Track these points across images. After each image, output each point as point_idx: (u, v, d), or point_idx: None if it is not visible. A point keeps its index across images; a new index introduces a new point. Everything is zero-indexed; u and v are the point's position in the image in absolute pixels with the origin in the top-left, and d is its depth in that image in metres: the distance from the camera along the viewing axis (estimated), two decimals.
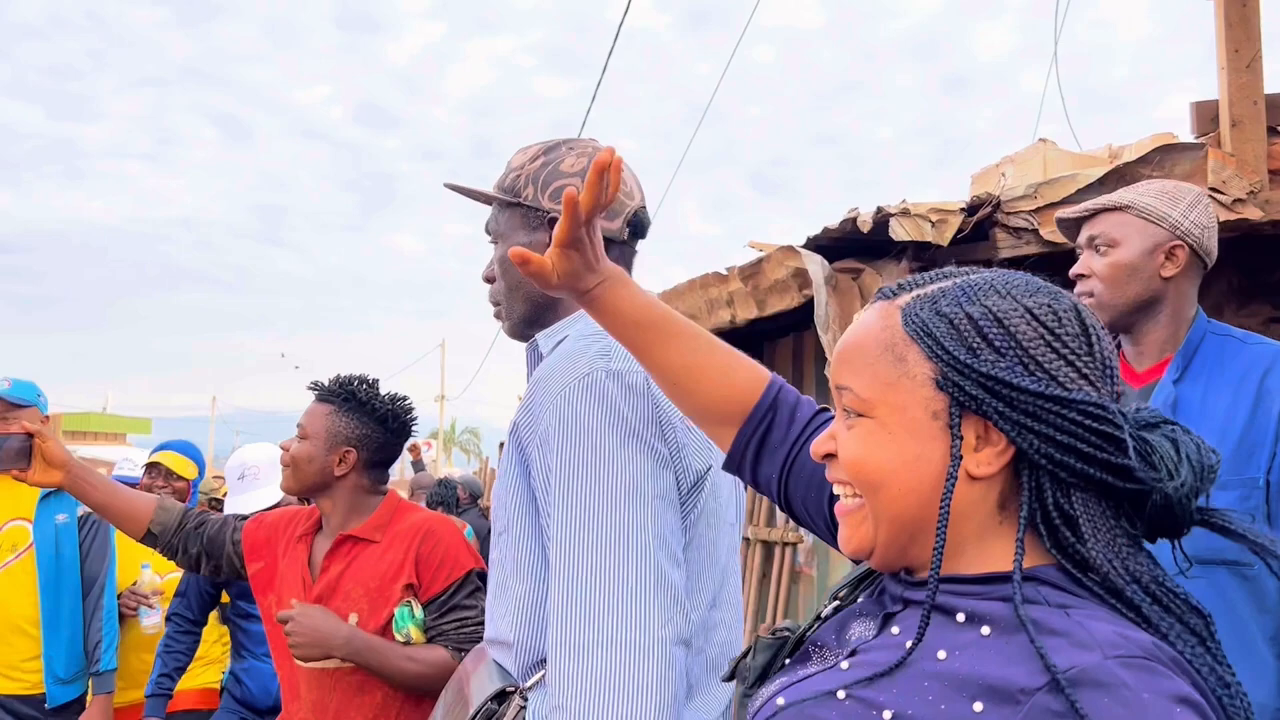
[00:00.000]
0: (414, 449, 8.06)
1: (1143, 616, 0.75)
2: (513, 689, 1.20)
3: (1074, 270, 1.77)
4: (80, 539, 2.96)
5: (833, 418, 0.99)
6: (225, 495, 3.79)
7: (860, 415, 0.83)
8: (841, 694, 0.78)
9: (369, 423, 2.06)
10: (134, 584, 3.27)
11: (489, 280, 1.41)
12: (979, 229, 3.05)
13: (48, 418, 2.95)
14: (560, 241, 1.04)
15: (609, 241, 1.31)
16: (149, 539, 2.13)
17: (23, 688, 2.83)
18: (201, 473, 3.61)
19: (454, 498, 6.80)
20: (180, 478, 3.48)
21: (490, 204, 1.39)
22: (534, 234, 1.33)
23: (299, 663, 1.97)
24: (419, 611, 1.97)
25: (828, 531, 1.03)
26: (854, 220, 3.11)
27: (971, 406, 0.78)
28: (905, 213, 2.99)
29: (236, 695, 3.03)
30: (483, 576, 2.02)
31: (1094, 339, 0.80)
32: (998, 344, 0.77)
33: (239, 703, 3.02)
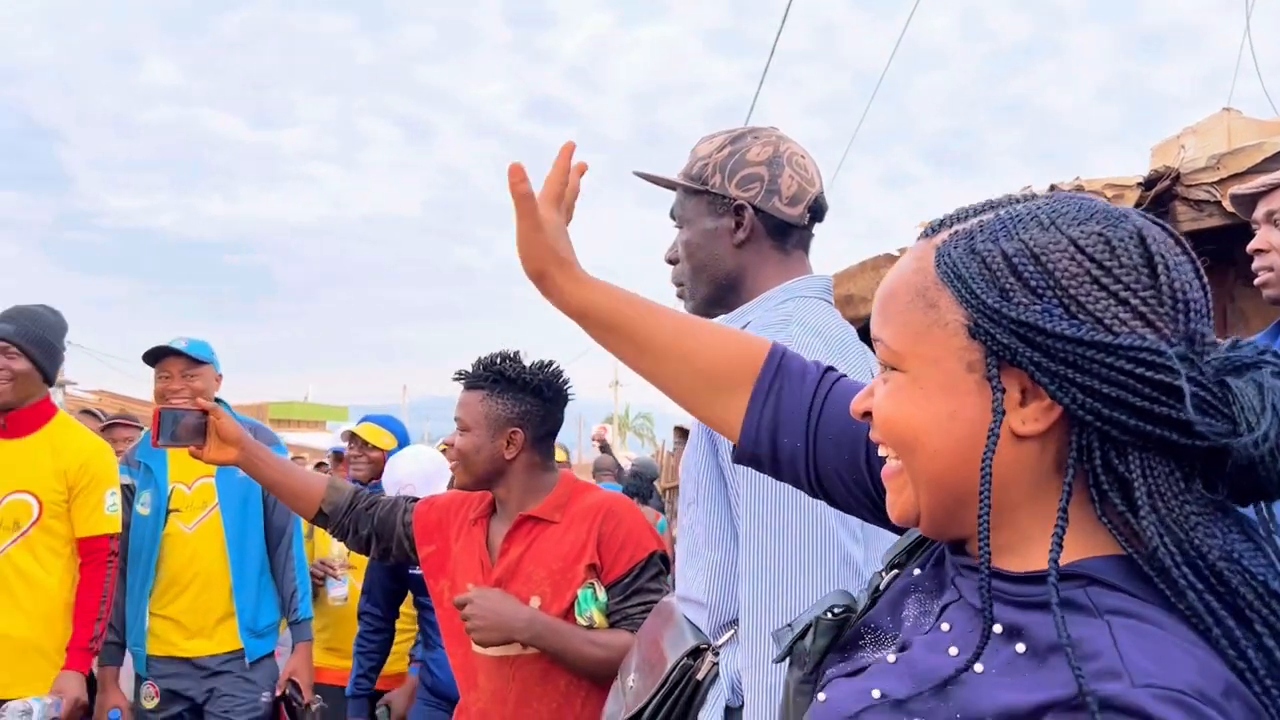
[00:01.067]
0: (599, 434, 8.30)
1: (1192, 609, 0.63)
2: (705, 646, 1.30)
3: (1251, 245, 1.69)
4: (264, 491, 2.92)
5: (843, 376, 0.98)
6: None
7: (893, 369, 0.74)
8: (876, 693, 0.72)
9: (525, 398, 1.97)
10: (324, 556, 3.38)
11: (672, 262, 1.50)
12: (1158, 203, 2.93)
13: (221, 376, 3.01)
14: (548, 197, 1.02)
15: (791, 227, 1.41)
16: (320, 519, 2.09)
17: (220, 646, 2.88)
18: (401, 444, 3.61)
19: (649, 489, 6.89)
20: (375, 448, 3.51)
21: (674, 189, 1.48)
22: (719, 219, 1.41)
23: (477, 649, 1.90)
24: (602, 594, 1.88)
25: (868, 505, 0.93)
26: None
27: (1006, 357, 0.67)
28: (1079, 189, 2.91)
29: (428, 684, 2.95)
30: (665, 559, 1.96)
31: (1160, 269, 0.66)
32: (1034, 284, 0.67)
33: (431, 692, 2.92)
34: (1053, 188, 2.97)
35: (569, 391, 2.05)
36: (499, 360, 2.00)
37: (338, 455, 4.24)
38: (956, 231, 0.73)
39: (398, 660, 3.24)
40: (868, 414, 0.79)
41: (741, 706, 1.22)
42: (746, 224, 1.40)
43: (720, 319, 1.43)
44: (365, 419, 3.69)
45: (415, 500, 2.16)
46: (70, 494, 2.71)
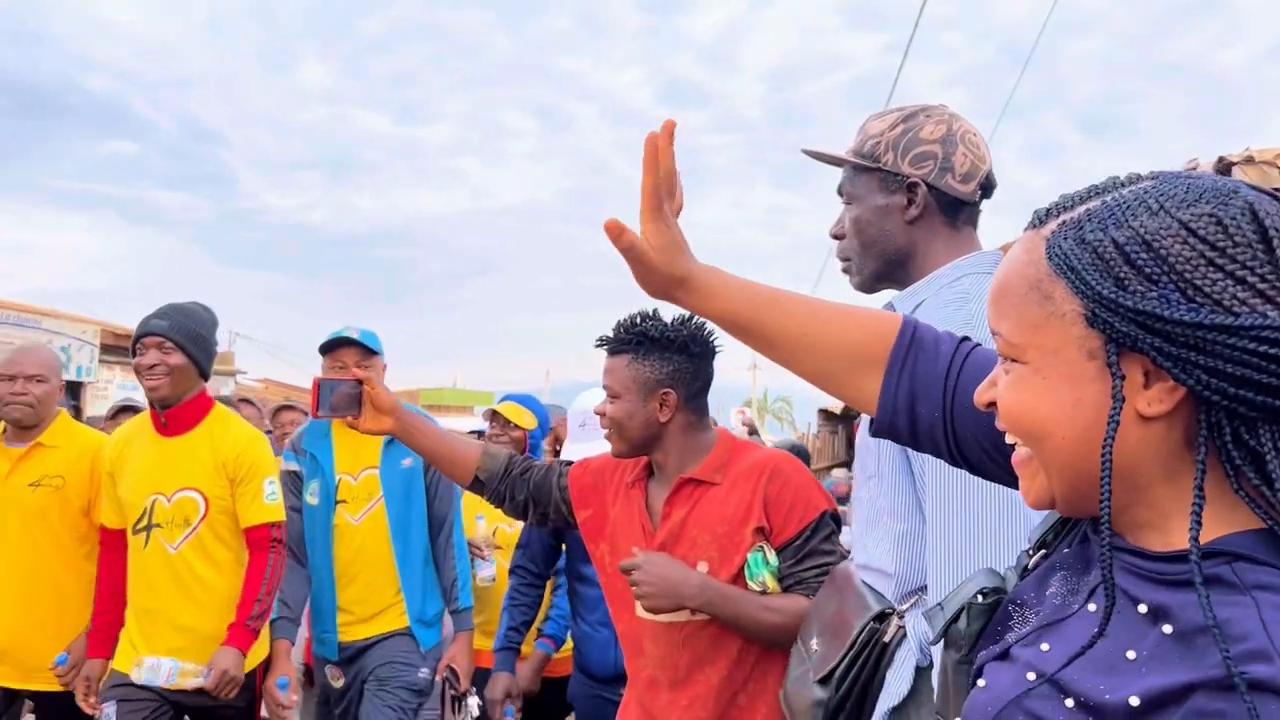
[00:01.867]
0: (748, 420, 8.29)
1: None
2: (890, 610, 1.34)
3: None
4: (426, 481, 2.96)
5: (978, 345, 1.00)
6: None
7: (1014, 361, 0.76)
8: (1032, 675, 0.74)
9: (673, 356, 1.89)
10: (470, 538, 3.30)
11: (837, 237, 1.55)
12: None
13: (385, 366, 3.02)
14: (649, 208, 1.01)
15: (962, 203, 1.45)
16: (476, 486, 2.06)
17: (389, 626, 2.90)
18: (542, 424, 3.63)
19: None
20: (517, 427, 3.52)
21: (841, 166, 1.52)
22: (891, 196, 1.45)
23: (646, 615, 1.84)
24: (773, 557, 1.80)
25: (1009, 471, 0.92)
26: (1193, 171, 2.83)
27: (1126, 344, 0.68)
28: (1249, 160, 2.68)
29: (578, 662, 2.85)
30: (836, 518, 1.89)
31: (1276, 243, 0.66)
32: (1148, 272, 0.67)
33: (581, 669, 2.83)
34: (1220, 159, 2.75)
35: (716, 344, 1.95)
36: (640, 320, 1.91)
37: (479, 436, 4.35)
38: (1064, 222, 0.73)
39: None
40: (992, 404, 0.80)
41: (930, 667, 1.27)
42: (919, 201, 1.43)
43: (893, 298, 1.47)
44: (505, 398, 3.72)
45: (569, 464, 2.12)
46: (231, 486, 2.74)
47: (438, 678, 2.92)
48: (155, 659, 2.62)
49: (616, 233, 1.02)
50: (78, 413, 12.10)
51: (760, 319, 1.04)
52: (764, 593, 1.78)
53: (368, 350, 2.88)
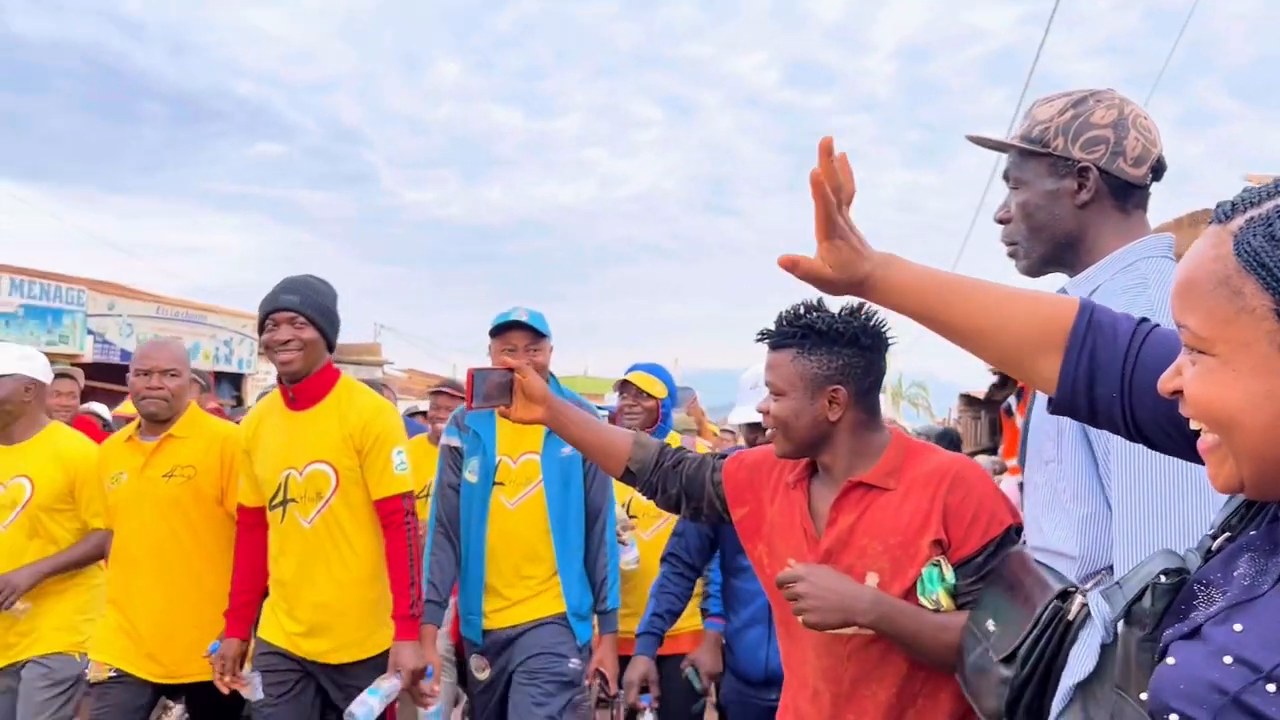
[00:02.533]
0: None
1: None
2: (1073, 589, 1.35)
3: None
4: (584, 471, 2.87)
5: (1156, 325, 1.04)
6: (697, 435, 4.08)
7: (1201, 353, 0.78)
8: (1229, 659, 0.74)
9: (842, 350, 1.74)
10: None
11: (1002, 222, 1.57)
12: None
13: (552, 349, 2.92)
14: (822, 232, 1.10)
15: (1133, 187, 1.46)
16: (628, 477, 1.99)
17: (542, 611, 2.82)
18: (672, 393, 3.56)
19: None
20: (649, 396, 3.46)
21: (1006, 152, 1.55)
22: (1060, 181, 1.47)
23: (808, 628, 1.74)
24: (950, 574, 1.66)
25: (1189, 447, 0.94)
26: None
27: None
28: None
29: (729, 663, 2.74)
30: (1019, 532, 1.70)
31: None
32: None
33: (732, 671, 2.71)
34: None
35: (889, 336, 1.79)
36: (805, 312, 1.77)
37: (610, 418, 4.39)
38: (1253, 218, 0.74)
39: (689, 616, 3.07)
40: (1176, 392, 0.82)
41: (1114, 644, 1.27)
42: (1091, 185, 1.45)
43: (1066, 283, 1.49)
44: (634, 368, 3.60)
45: (723, 457, 2.00)
46: (360, 458, 2.70)
47: (587, 682, 2.83)
48: (369, 699, 2.55)
49: (791, 265, 1.12)
50: (239, 403, 12.90)
51: (939, 309, 1.11)
52: (937, 610, 1.65)
53: (536, 333, 2.81)
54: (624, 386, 3.50)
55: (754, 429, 3.12)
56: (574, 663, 2.81)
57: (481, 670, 2.86)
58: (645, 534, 3.34)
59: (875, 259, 1.13)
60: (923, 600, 1.66)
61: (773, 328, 1.82)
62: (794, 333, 1.77)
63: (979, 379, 13.14)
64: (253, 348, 15.58)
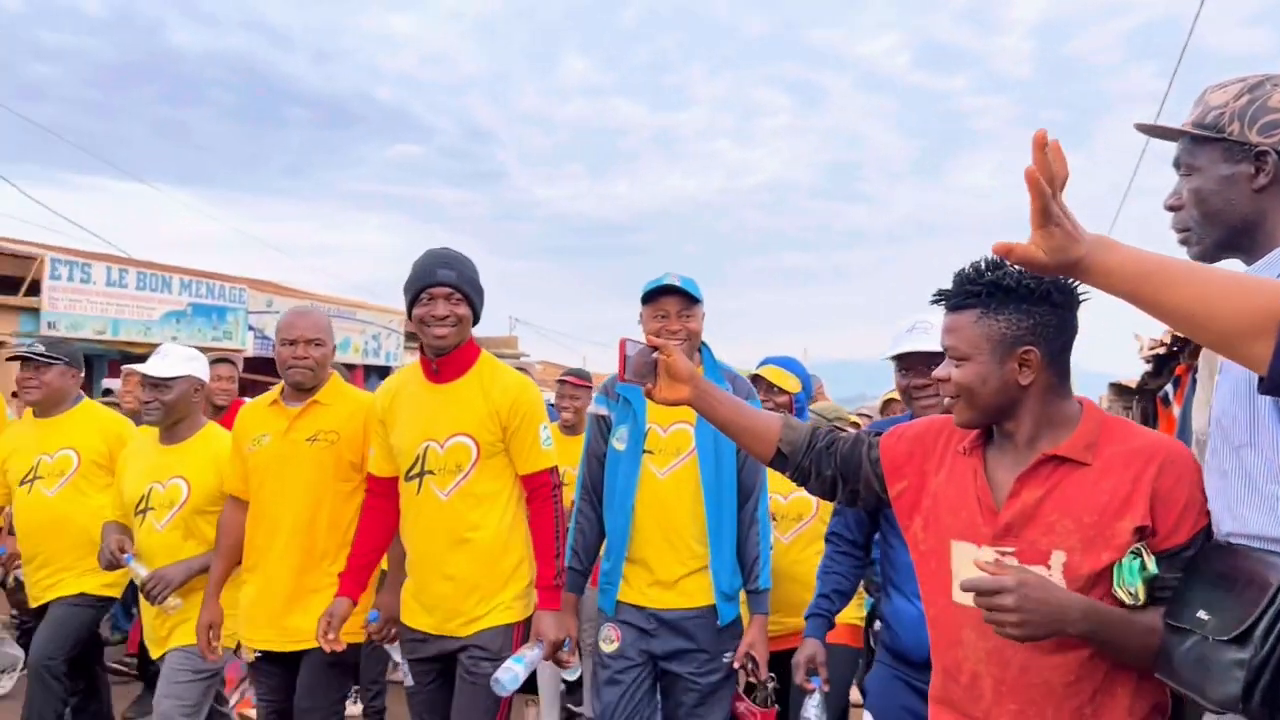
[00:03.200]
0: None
1: None
2: None
3: None
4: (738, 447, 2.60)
5: None
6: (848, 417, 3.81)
7: None
8: None
9: (1032, 308, 1.59)
10: None
11: (1173, 209, 1.58)
12: None
13: (704, 315, 2.85)
14: (1037, 221, 1.16)
15: None
16: (779, 460, 1.88)
17: (690, 601, 2.72)
18: (806, 387, 3.46)
19: None
20: (782, 391, 3.36)
21: (1176, 139, 1.55)
22: (1236, 166, 1.47)
23: (1007, 634, 1.51)
24: (1152, 564, 1.51)
25: None
26: None
27: None
28: None
29: (887, 642, 2.48)
30: None
31: None
32: None
33: (890, 652, 2.46)
34: None
35: (1080, 292, 1.63)
36: (989, 269, 1.62)
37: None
38: None
39: (853, 607, 2.92)
40: None
41: None
42: (1269, 170, 1.44)
43: (1251, 269, 1.48)
44: (765, 361, 3.49)
45: (878, 434, 1.88)
46: (505, 434, 2.69)
47: (735, 664, 2.73)
48: (517, 663, 2.57)
49: (1006, 252, 1.20)
50: None
51: (1151, 294, 1.18)
52: (1134, 605, 1.52)
53: (689, 298, 2.74)
54: (756, 381, 3.33)
55: (889, 405, 2.99)
56: (727, 656, 2.75)
57: (611, 642, 2.77)
58: (785, 537, 3.22)
59: (1089, 241, 1.20)
60: (1118, 591, 1.53)
61: (950, 287, 1.67)
62: (978, 291, 1.62)
63: (1130, 367, 12.47)
64: (399, 341, 16.28)
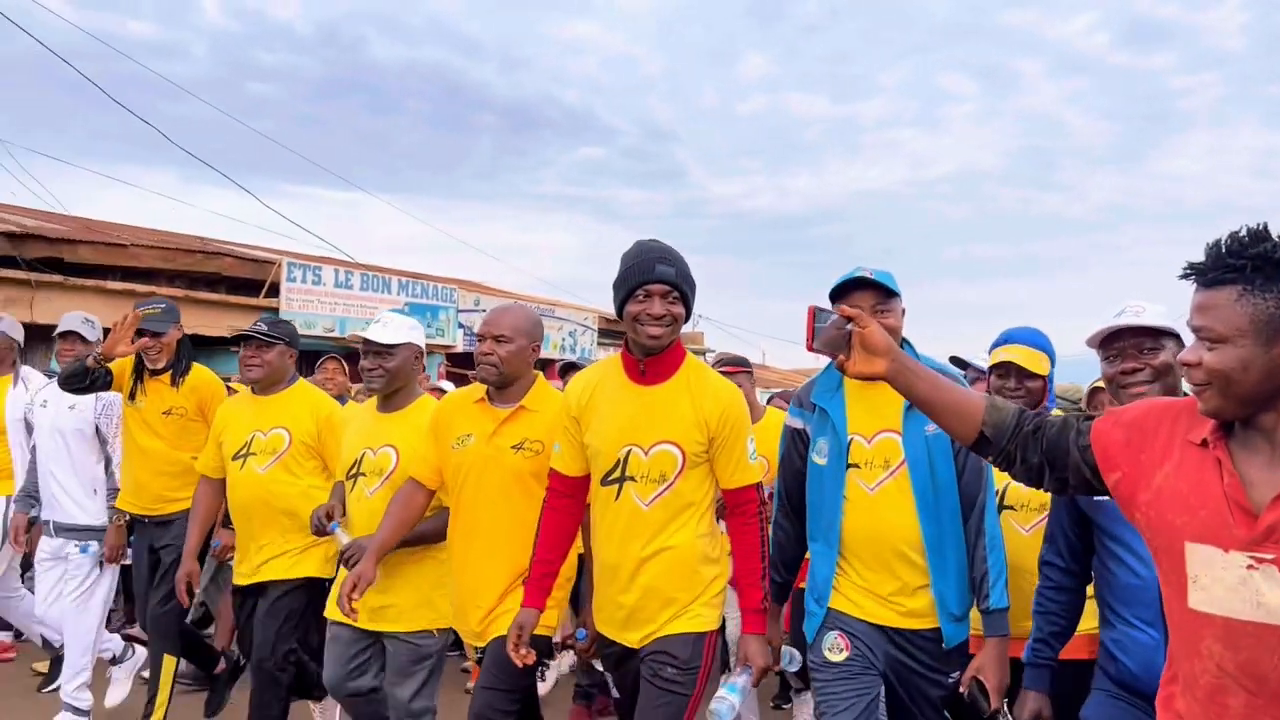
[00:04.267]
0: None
1: None
2: None
3: None
4: (953, 450, 2.47)
5: None
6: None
7: None
8: None
9: None
10: None
11: None
12: None
13: (904, 311, 2.59)
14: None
15: None
16: (981, 443, 1.73)
17: (912, 623, 2.47)
18: (1053, 366, 2.92)
19: None
20: (1035, 375, 2.81)
21: None
22: None
23: (1204, 609, 1.44)
24: None
25: None
26: None
27: None
28: None
29: (1110, 672, 2.19)
30: None
31: None
32: None
33: (1115, 682, 2.17)
34: None
35: None
36: (1253, 241, 1.43)
37: None
38: None
39: (1088, 616, 2.48)
40: None
41: None
42: None
43: None
44: (1007, 339, 2.93)
45: (1090, 418, 1.70)
46: (711, 445, 2.52)
47: (962, 689, 2.45)
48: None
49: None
50: None
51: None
52: None
53: (886, 291, 2.48)
54: (999, 368, 2.86)
55: (1094, 395, 2.72)
56: (954, 676, 2.48)
57: (840, 651, 2.50)
58: (1025, 529, 2.86)
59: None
60: None
61: (1204, 260, 1.48)
62: (1241, 265, 1.43)
63: None
64: (594, 338, 16.87)
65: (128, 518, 4.08)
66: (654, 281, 2.48)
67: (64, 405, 4.16)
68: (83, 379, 3.80)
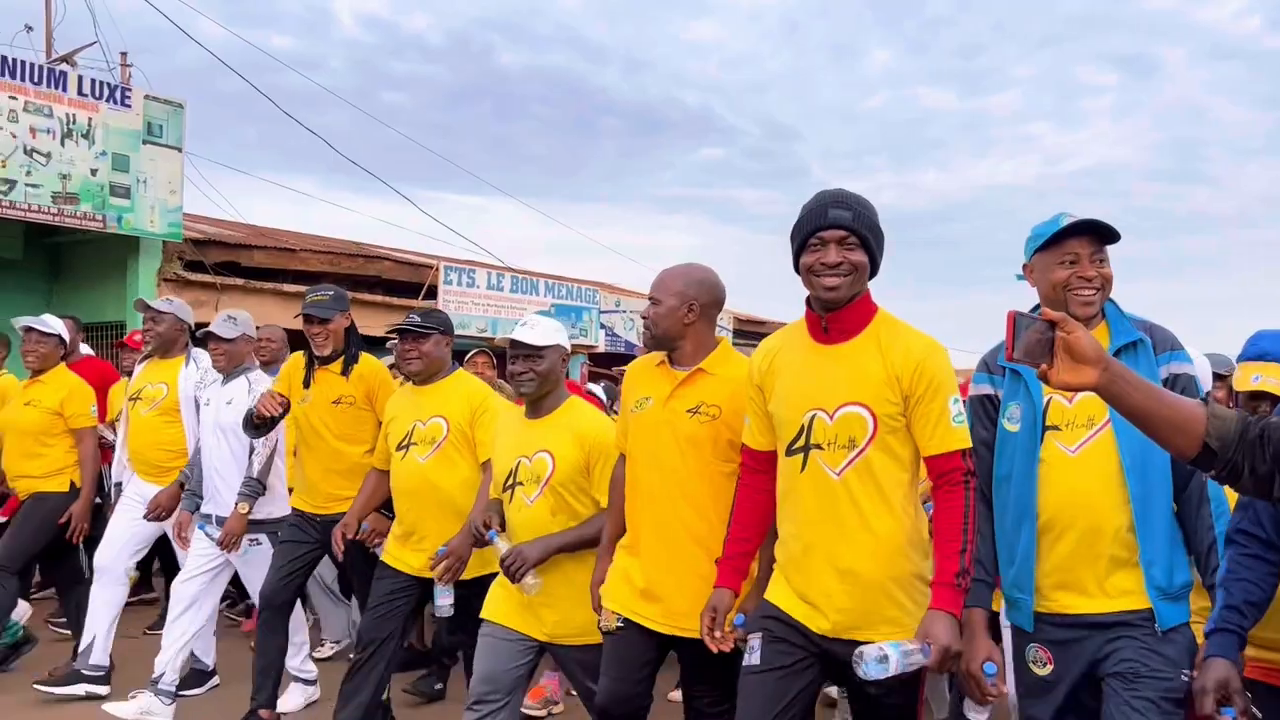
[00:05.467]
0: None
1: None
2: None
3: None
4: None
5: None
6: None
7: None
8: None
9: None
10: None
11: None
12: None
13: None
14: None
15: None
16: (1204, 457, 1.60)
17: (1115, 604, 2.18)
18: None
19: None
20: None
21: None
22: None
23: None
24: None
25: None
26: None
27: None
28: None
29: None
30: None
31: None
32: None
33: None
34: None
35: None
36: None
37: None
38: None
39: None
40: None
41: None
42: None
43: None
44: (1257, 351, 2.64)
45: None
46: (906, 404, 2.26)
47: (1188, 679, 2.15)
48: (880, 648, 2.13)
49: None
50: None
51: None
52: None
53: (1104, 236, 2.26)
54: (1256, 398, 2.57)
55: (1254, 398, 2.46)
56: (1186, 675, 2.13)
57: (1042, 665, 2.27)
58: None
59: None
60: None
61: None
62: None
63: None
64: (730, 340, 16.85)
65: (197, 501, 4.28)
66: (827, 227, 2.26)
67: (223, 401, 4.26)
68: (263, 428, 3.93)
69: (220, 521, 4.18)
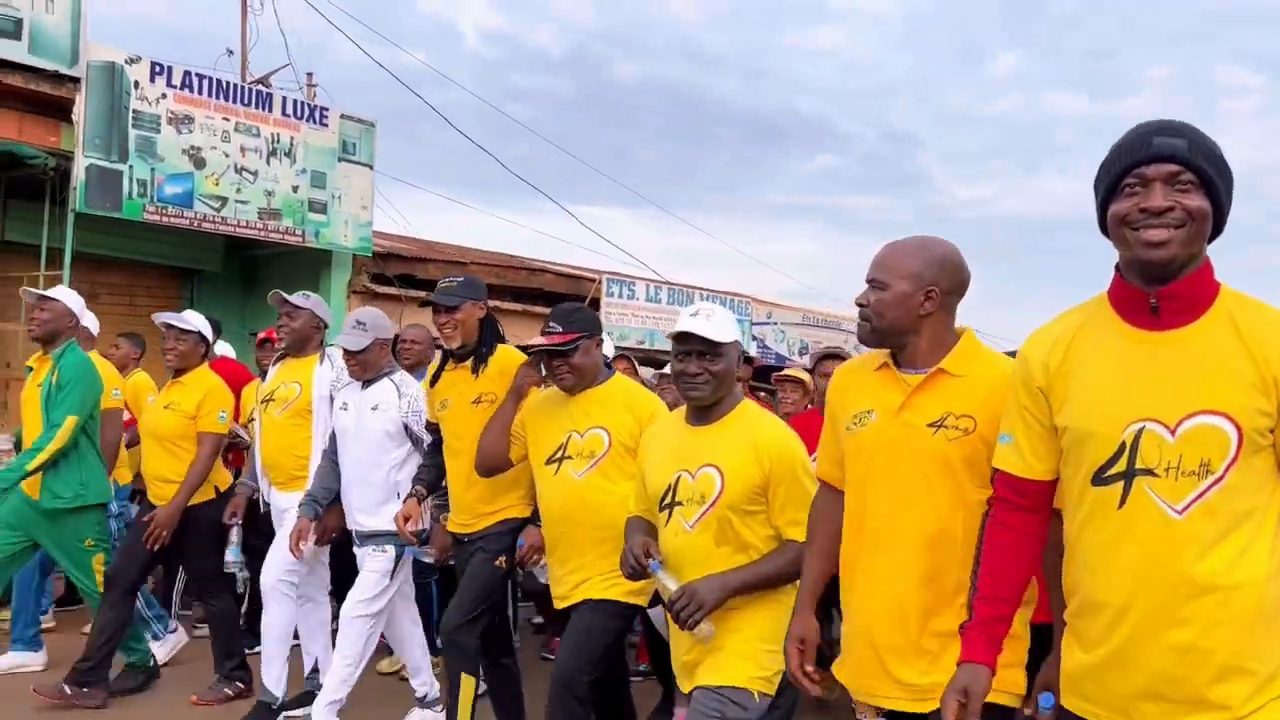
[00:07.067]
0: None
1: None
2: None
3: None
4: None
5: None
6: None
7: None
8: None
9: None
10: None
11: None
12: None
13: None
14: None
15: None
16: None
17: None
18: None
19: None
20: None
21: None
22: None
23: None
24: None
25: None
26: None
27: None
28: None
29: None
30: None
31: None
32: None
33: None
34: None
35: None
36: None
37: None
38: None
39: None
40: None
41: None
42: None
43: None
44: None
45: None
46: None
47: None
48: None
49: None
50: None
51: None
52: None
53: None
54: None
55: None
56: None
57: None
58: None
59: None
60: None
61: None
62: None
63: None
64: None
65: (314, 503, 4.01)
66: (1149, 161, 1.65)
67: (367, 407, 3.93)
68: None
69: (360, 535, 3.95)
